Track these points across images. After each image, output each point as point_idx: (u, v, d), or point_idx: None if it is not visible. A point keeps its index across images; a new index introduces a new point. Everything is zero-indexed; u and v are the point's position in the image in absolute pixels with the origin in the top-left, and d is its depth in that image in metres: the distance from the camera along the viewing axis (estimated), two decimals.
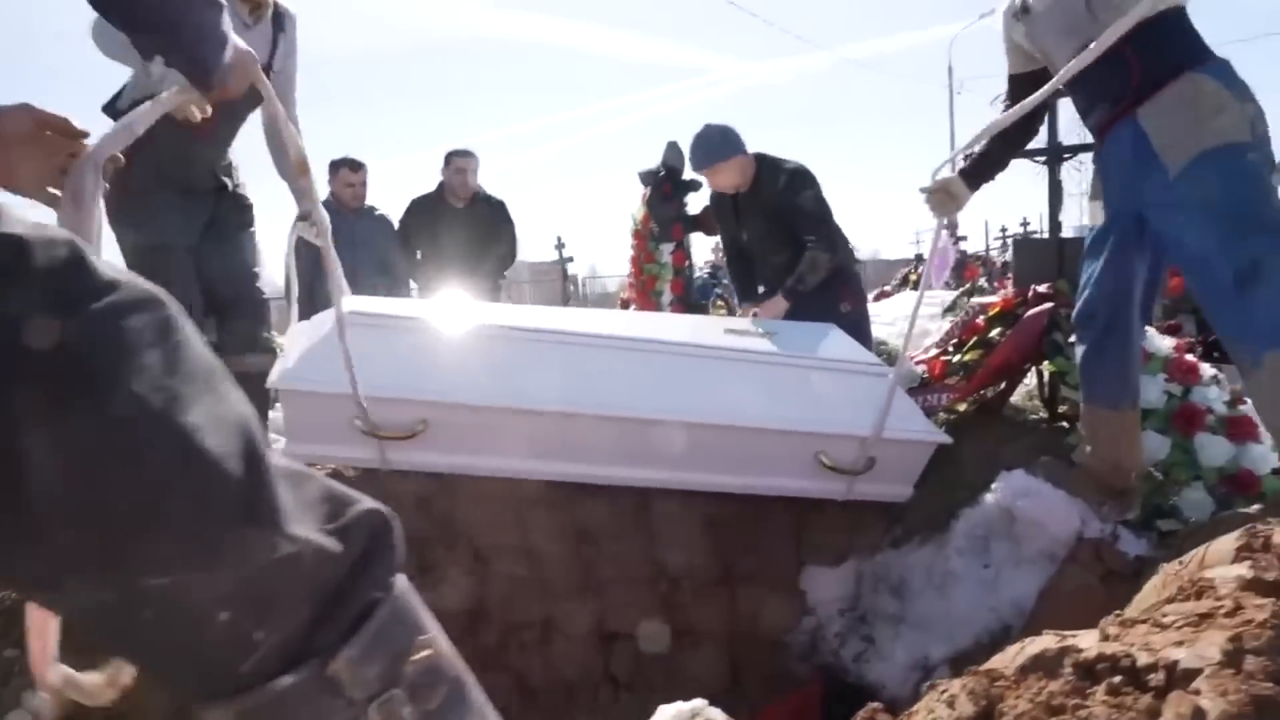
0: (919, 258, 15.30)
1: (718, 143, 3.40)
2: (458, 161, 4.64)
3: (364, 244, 4.48)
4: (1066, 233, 3.10)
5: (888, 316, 10.13)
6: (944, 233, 13.11)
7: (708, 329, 2.95)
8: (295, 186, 1.66)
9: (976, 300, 3.01)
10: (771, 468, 2.63)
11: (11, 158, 1.04)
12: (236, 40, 1.28)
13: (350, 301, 2.68)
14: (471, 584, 2.41)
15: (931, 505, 2.69)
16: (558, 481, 2.57)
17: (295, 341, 2.52)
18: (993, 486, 2.52)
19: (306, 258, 4.31)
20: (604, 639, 2.50)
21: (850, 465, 2.61)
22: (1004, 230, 14.08)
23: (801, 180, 3.33)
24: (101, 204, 1.12)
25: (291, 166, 2.79)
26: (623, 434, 2.50)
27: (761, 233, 3.49)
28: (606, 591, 2.53)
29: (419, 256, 4.78)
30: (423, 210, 4.74)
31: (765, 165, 3.42)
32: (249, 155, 2.85)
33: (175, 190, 2.46)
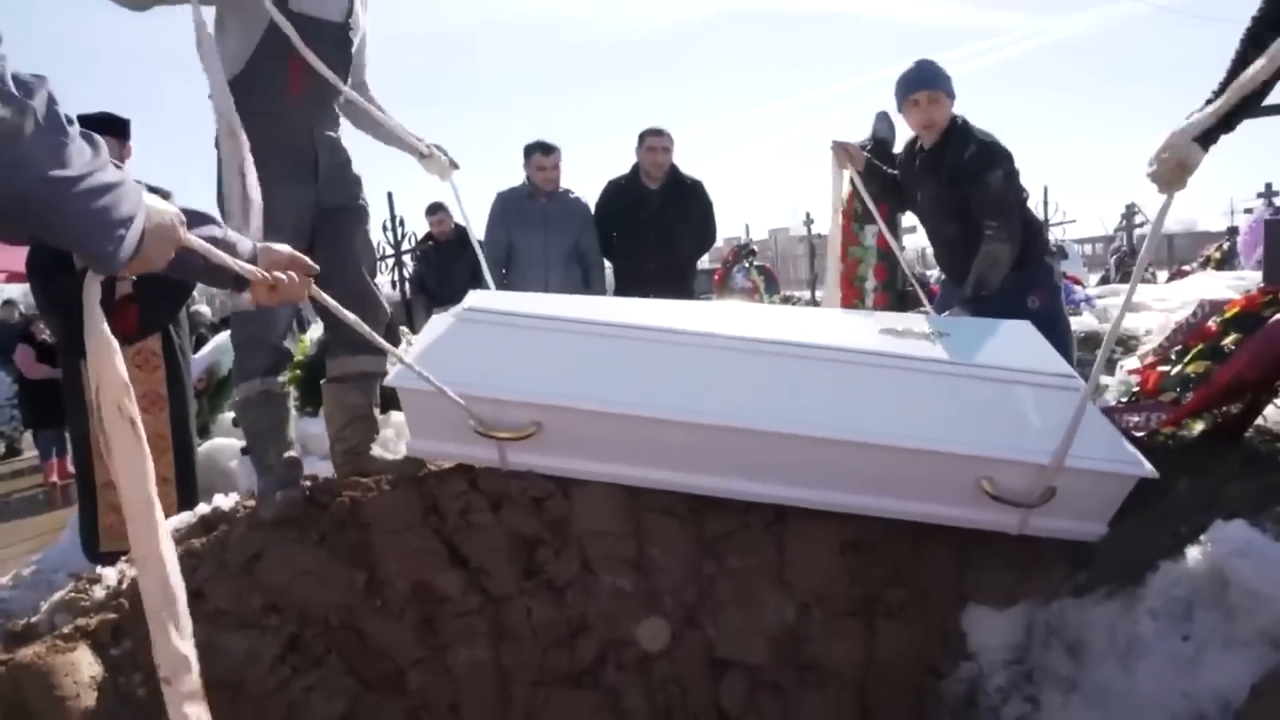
0: (1232, 230, 13.12)
1: (940, 71, 3.11)
2: (650, 140, 4.52)
3: (557, 228, 4.50)
4: None
5: (1174, 301, 8.80)
6: (1259, 202, 11.26)
7: (863, 327, 2.60)
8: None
9: (1208, 298, 2.40)
10: (924, 492, 2.28)
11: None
12: (153, 202, 1.18)
13: (479, 296, 2.64)
14: (576, 594, 2.30)
15: (1126, 550, 2.20)
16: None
17: (422, 338, 2.53)
18: (1203, 538, 1.99)
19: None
20: (715, 665, 2.29)
21: (1022, 496, 2.21)
22: None
23: (991, 155, 2.88)
24: None
25: (396, 138, 2.80)
26: (754, 447, 2.26)
27: (932, 199, 3.12)
28: (724, 613, 2.31)
29: (615, 238, 4.73)
30: (617, 192, 4.68)
31: (958, 127, 3.05)
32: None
33: (281, 164, 2.39)
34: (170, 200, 1.32)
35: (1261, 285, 2.23)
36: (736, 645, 2.29)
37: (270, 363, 2.52)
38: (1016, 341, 2.53)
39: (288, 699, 2.06)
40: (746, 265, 12.03)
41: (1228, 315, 2.23)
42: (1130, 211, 12.58)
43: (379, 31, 2.73)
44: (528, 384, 2.30)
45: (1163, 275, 11.91)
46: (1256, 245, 9.85)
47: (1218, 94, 1.96)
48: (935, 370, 2.34)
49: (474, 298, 2.61)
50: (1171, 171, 1.77)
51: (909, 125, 3.19)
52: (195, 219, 1.45)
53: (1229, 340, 2.18)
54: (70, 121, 1.05)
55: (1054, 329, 2.76)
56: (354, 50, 2.59)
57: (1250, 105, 1.88)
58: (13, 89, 0.98)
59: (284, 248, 1.60)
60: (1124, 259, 12.04)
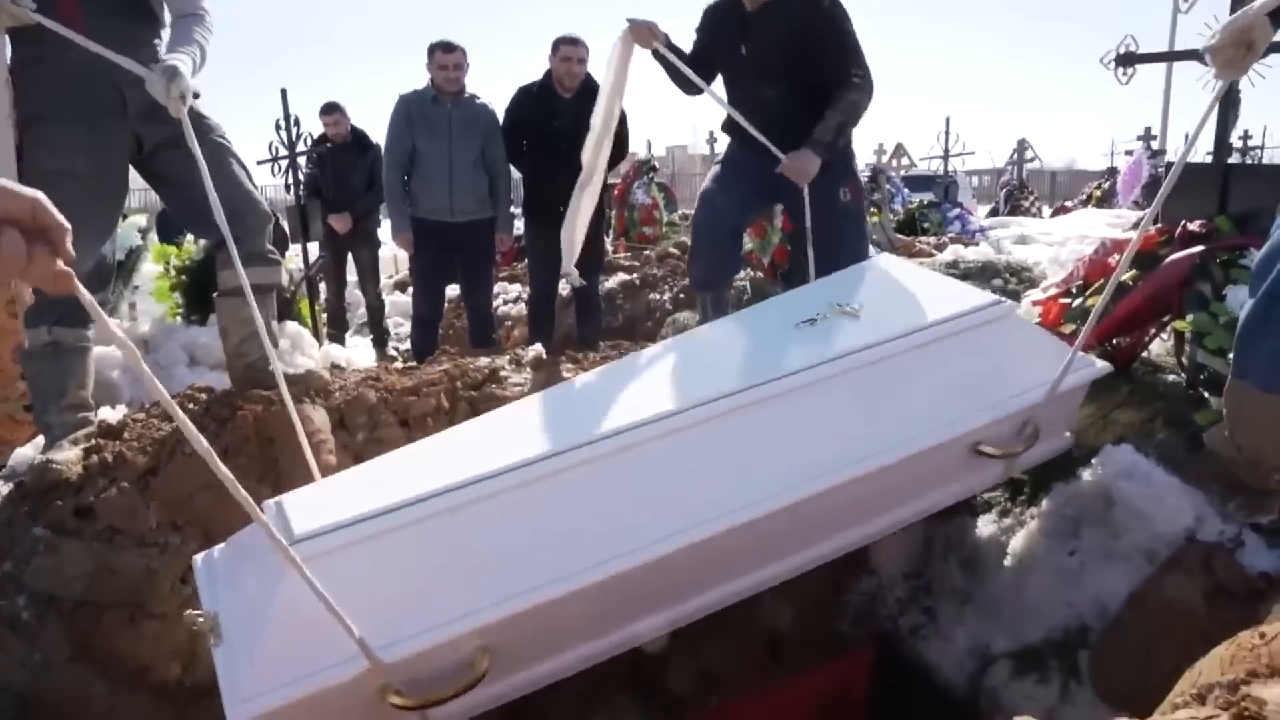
0: (1111, 170, 13.75)
1: None
2: (565, 49, 4.34)
3: (461, 134, 4.32)
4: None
5: (1058, 235, 9.14)
6: (1138, 144, 11.74)
7: (771, 334, 2.13)
8: None
9: (1109, 236, 2.51)
10: (923, 488, 1.99)
11: None
12: None
13: (294, 512, 1.54)
14: None
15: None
16: None
17: (232, 618, 1.48)
18: (1094, 461, 2.12)
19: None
20: None
21: (1013, 443, 1.97)
22: None
23: (844, 10, 2.84)
24: None
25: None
26: (738, 543, 1.72)
27: (769, 54, 2.91)
28: None
29: (525, 148, 4.58)
30: (528, 101, 4.50)
31: None
32: None
33: (77, 112, 2.27)
34: None
35: (1159, 225, 2.33)
36: None
37: (65, 309, 2.31)
38: (914, 284, 2.25)
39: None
40: (647, 181, 11.93)
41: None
42: (1021, 147, 13.02)
43: None
44: (454, 604, 1.49)
45: (1047, 211, 12.45)
46: (1135, 185, 10.40)
47: None
48: (887, 355, 1.93)
49: (292, 518, 1.52)
50: (1235, 43, 1.54)
51: None
52: None
53: (1127, 276, 2.28)
54: None
55: (859, 221, 3.02)
56: None
57: None
58: None
59: (28, 193, 0.79)
60: (1013, 192, 12.49)
